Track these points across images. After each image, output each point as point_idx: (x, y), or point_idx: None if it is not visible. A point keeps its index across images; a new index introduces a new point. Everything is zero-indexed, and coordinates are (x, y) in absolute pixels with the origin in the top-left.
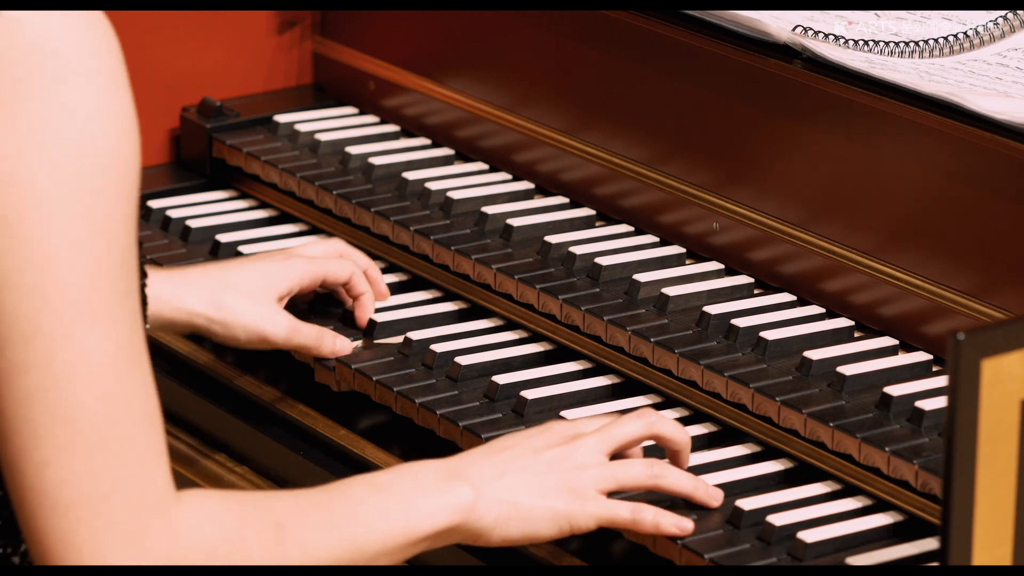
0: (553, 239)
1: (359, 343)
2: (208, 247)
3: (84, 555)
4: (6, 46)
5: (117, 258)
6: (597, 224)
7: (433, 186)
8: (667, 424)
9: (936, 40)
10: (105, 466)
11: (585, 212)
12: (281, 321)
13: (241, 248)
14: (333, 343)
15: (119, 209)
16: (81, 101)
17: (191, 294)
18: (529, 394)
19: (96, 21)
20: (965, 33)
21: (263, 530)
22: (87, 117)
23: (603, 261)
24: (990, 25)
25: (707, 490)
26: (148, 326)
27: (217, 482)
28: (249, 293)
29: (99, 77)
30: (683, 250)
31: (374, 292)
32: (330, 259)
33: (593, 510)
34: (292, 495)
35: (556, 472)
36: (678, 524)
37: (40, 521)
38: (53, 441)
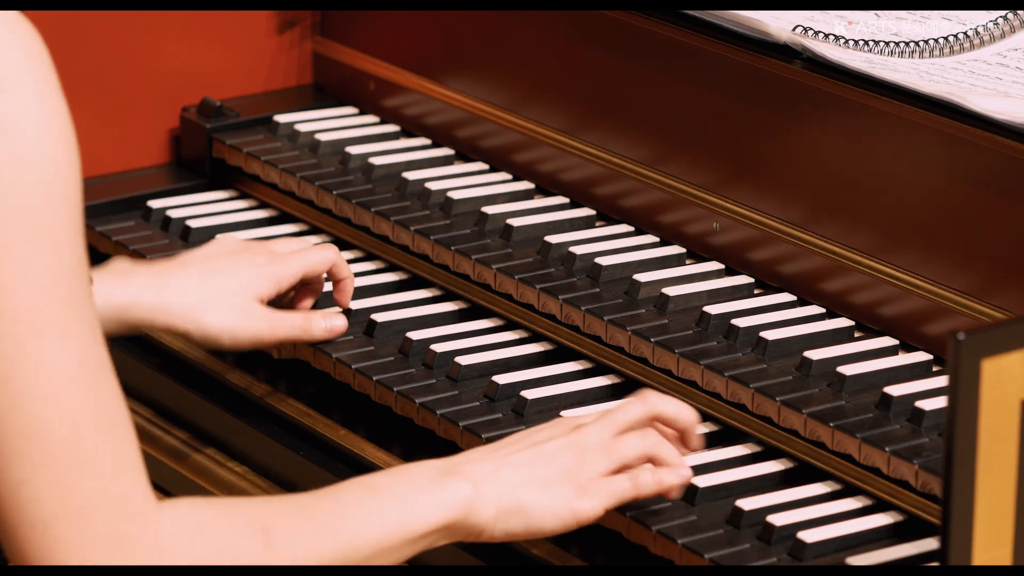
0: (553, 239)
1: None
2: None
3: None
4: None
5: (66, 270)
6: (597, 224)
7: (433, 186)
8: (669, 403)
9: (936, 40)
10: (79, 480)
11: (585, 212)
12: (260, 325)
13: None
14: (323, 324)
15: (62, 219)
16: (10, 111)
17: (174, 311)
18: (529, 394)
19: (18, 23)
20: (965, 33)
21: (250, 536)
22: (19, 127)
23: (603, 261)
24: (990, 25)
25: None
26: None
27: (208, 476)
28: (226, 305)
29: (28, 84)
30: (683, 250)
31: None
32: (308, 250)
33: (595, 499)
34: (281, 500)
35: (557, 463)
36: (677, 473)
37: (22, 540)
38: (24, 460)
